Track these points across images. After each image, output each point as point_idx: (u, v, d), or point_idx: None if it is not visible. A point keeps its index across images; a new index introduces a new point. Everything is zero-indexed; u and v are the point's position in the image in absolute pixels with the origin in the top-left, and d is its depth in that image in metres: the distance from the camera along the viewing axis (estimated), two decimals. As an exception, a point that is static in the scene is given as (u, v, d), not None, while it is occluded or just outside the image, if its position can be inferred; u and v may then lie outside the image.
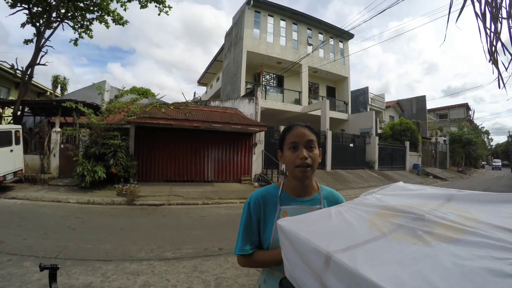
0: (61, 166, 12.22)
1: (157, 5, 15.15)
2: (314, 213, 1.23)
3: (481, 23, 1.78)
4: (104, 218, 7.87)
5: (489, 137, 79.23)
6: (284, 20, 23.88)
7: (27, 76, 13.25)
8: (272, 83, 25.18)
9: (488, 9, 1.77)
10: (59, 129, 12.31)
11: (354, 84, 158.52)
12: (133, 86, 34.94)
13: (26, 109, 14.42)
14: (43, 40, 13.45)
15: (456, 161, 35.32)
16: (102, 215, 8.11)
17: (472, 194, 1.06)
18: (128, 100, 12.41)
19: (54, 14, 13.80)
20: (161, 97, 15.51)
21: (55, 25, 14.07)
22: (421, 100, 39.23)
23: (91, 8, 14.59)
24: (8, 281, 3.81)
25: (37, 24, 13.70)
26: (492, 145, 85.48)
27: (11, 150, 10.06)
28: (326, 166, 19.13)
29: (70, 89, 26.81)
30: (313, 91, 26.92)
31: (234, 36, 24.34)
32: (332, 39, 26.14)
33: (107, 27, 15.33)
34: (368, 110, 28.78)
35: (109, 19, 15.17)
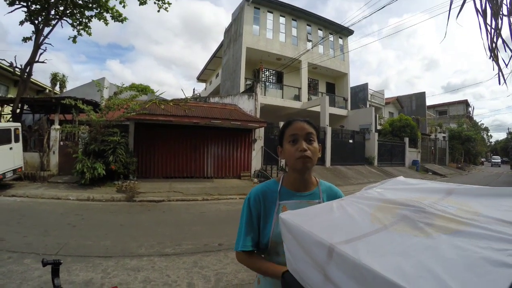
0: (60, 163, 12.21)
1: (156, 2, 15.13)
2: (316, 206, 1.23)
3: (481, 20, 1.78)
4: (104, 214, 7.87)
5: (489, 134, 79.23)
6: (284, 16, 23.84)
7: (26, 74, 13.24)
8: (271, 79, 25.16)
9: (489, 5, 1.77)
10: (58, 126, 12.30)
11: (354, 80, 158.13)
12: (132, 83, 34.98)
13: (25, 106, 14.41)
14: (42, 38, 13.44)
15: (455, 158, 35.37)
16: (102, 212, 8.12)
17: (472, 188, 1.06)
18: (127, 97, 12.36)
19: (52, 12, 13.79)
20: (161, 94, 15.46)
21: (53, 22, 14.07)
22: (421, 96, 39.20)
23: (90, 5, 14.59)
24: (8, 278, 3.81)
25: (36, 21, 13.68)
26: (491, 142, 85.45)
27: (11, 148, 10.06)
28: (326, 162, 19.15)
29: (69, 86, 26.78)
30: (312, 87, 26.89)
31: (233, 32, 24.31)
32: (331, 35, 26.07)
33: (106, 24, 15.32)
34: (368, 106, 28.82)
35: (108, 16, 15.20)
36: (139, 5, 15.01)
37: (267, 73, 24.88)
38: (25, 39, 14.23)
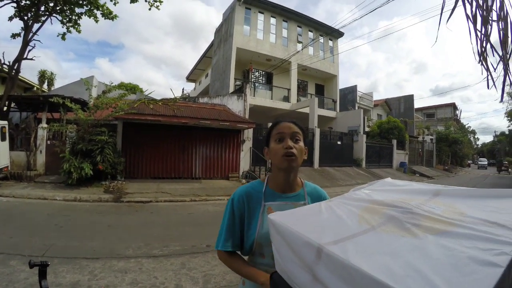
0: (47, 162, 12.05)
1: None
2: (305, 207, 1.25)
3: (471, 25, 1.83)
4: (91, 215, 7.79)
5: (475, 136, 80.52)
6: (275, 17, 23.90)
7: (14, 71, 13.06)
8: (261, 80, 25.18)
9: (479, 12, 1.81)
10: (45, 125, 12.15)
11: (343, 82, 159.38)
12: (121, 82, 34.61)
13: (13, 104, 14.21)
14: (31, 34, 13.27)
15: (442, 160, 35.79)
16: (89, 213, 8.03)
17: (458, 190, 1.09)
18: (116, 96, 12.27)
19: (42, 8, 13.63)
20: (150, 93, 15.41)
21: (43, 19, 13.89)
22: (409, 99, 39.63)
23: (80, 2, 14.43)
24: (-6, 280, 3.77)
25: (25, 17, 13.51)
26: (478, 145, 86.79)
27: (-3, 147, 9.93)
28: (314, 163, 19.23)
29: (57, 84, 26.48)
30: (302, 89, 27.01)
31: (224, 32, 24.27)
32: (322, 37, 26.21)
33: (96, 21, 15.20)
34: (356, 108, 29.04)
35: (98, 13, 15.04)
36: (130, 2, 14.93)
37: (256, 73, 24.89)
38: (14, 36, 14.06)
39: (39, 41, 18.12)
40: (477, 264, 0.64)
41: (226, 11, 24.90)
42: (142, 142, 13.24)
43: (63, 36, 15.23)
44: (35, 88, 24.46)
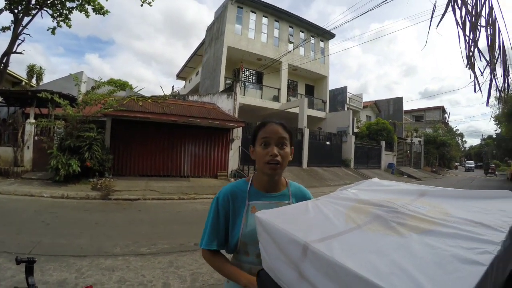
0: (34, 158, 11.89)
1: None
2: (292, 206, 1.27)
3: (461, 31, 1.88)
4: (78, 212, 7.73)
5: (463, 139, 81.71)
6: (267, 17, 23.94)
7: (2, 65, 12.90)
8: (251, 79, 25.23)
9: (468, 18, 1.86)
10: (33, 121, 11.97)
11: (333, 83, 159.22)
12: (111, 78, 34.20)
13: (0, 99, 14.02)
14: (21, 28, 13.11)
15: (430, 162, 36.23)
16: (77, 210, 7.97)
17: (444, 190, 1.11)
18: (105, 92, 12.18)
19: (33, 1, 13.46)
20: (139, 90, 15.32)
21: (33, 12, 13.73)
22: (398, 101, 40.01)
23: (72, -4, 14.31)
24: (-21, 277, 3.74)
25: (15, 10, 13.32)
26: (465, 147, 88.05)
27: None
28: (303, 163, 19.31)
29: (46, 79, 26.01)
30: (292, 89, 27.07)
31: (215, 30, 24.24)
32: (313, 38, 26.36)
33: (87, 16, 15.07)
34: (346, 109, 29.18)
35: (89, 8, 14.90)
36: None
37: (247, 73, 24.92)
38: (4, 29, 13.88)
39: (29, 34, 17.88)
40: (461, 263, 0.65)
41: (218, 10, 24.85)
42: (131, 140, 13.15)
43: (53, 31, 15.07)
44: (23, 83, 24.15)
